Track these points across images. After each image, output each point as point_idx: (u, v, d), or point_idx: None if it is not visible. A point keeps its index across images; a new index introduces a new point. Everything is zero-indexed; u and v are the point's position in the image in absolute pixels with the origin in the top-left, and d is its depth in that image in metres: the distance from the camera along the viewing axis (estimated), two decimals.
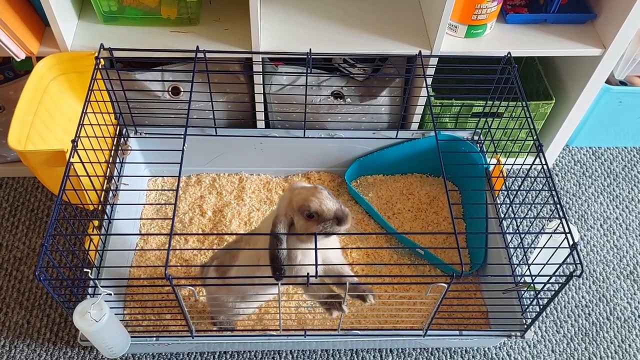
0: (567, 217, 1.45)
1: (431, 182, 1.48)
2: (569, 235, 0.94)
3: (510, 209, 1.24)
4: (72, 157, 0.99)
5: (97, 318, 0.90)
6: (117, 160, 1.28)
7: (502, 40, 1.26)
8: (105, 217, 1.18)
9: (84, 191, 1.05)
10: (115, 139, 1.31)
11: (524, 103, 1.15)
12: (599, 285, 1.35)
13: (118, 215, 1.22)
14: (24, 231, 1.37)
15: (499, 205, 1.27)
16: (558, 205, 0.99)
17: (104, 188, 1.20)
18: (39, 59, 1.15)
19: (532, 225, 1.41)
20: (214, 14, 1.28)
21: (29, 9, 1.16)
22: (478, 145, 1.38)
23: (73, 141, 1.00)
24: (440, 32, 1.20)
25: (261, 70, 1.27)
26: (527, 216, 1.38)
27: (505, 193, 1.36)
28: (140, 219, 1.33)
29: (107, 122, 1.22)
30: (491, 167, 1.32)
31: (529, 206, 1.39)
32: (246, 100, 1.38)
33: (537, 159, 1.08)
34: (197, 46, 1.18)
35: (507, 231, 1.21)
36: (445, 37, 1.22)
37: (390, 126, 1.46)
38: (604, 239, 1.43)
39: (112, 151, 1.27)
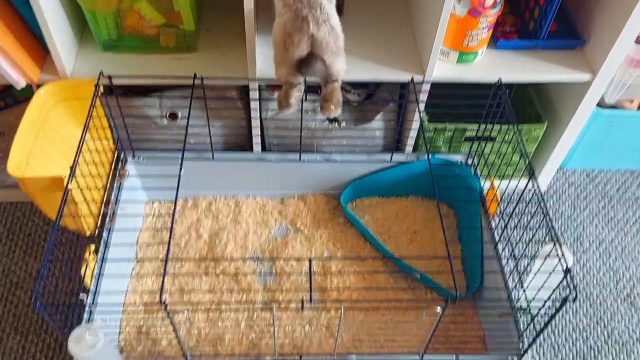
0: (562, 241, 1.46)
1: (427, 205, 1.49)
2: (562, 260, 0.95)
3: (505, 232, 1.25)
4: (70, 183, 1.00)
5: (92, 344, 0.91)
6: (115, 185, 1.29)
7: (493, 65, 1.28)
8: (102, 243, 1.19)
9: (82, 217, 1.06)
10: (113, 163, 1.32)
11: (515, 128, 1.17)
12: (596, 309, 1.35)
13: (114, 240, 1.23)
14: (21, 255, 1.37)
15: (494, 229, 1.28)
16: (551, 229, 1.00)
17: (101, 213, 1.21)
18: (39, 86, 1.17)
19: (526, 249, 1.41)
20: (212, 41, 1.30)
21: (30, 37, 1.18)
22: (472, 168, 1.40)
23: (71, 167, 1.02)
24: (432, 59, 1.22)
25: (258, 97, 1.29)
26: (522, 239, 1.38)
27: (500, 216, 1.37)
28: (137, 243, 1.34)
29: (106, 146, 1.24)
30: (485, 190, 1.33)
31: (524, 229, 1.40)
32: (243, 124, 1.40)
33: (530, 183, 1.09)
34: (195, 73, 1.20)
35: (502, 255, 1.22)
36: (437, 63, 1.25)
37: (385, 149, 1.47)
38: (600, 262, 1.43)
39: (110, 175, 1.28)
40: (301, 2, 0.98)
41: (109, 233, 1.22)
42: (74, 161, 1.03)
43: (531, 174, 1.09)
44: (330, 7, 1.01)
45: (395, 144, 1.44)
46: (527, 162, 1.10)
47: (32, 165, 1.08)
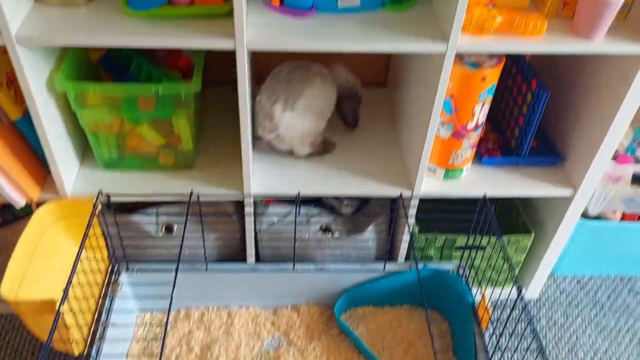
0: (555, 353, 1.45)
1: (420, 315, 1.49)
2: None
3: (498, 345, 1.25)
4: (62, 306, 1.02)
5: None
6: (107, 301, 1.30)
7: (478, 181, 1.34)
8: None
9: (72, 342, 1.06)
10: (107, 275, 1.34)
11: (500, 242, 1.20)
12: None
13: (105, 351, 1.21)
14: None
15: (487, 341, 1.28)
16: (541, 352, 1.00)
17: (92, 329, 1.21)
18: (39, 204, 1.21)
19: None
20: (209, 158, 1.36)
21: (32, 156, 1.23)
22: (463, 278, 1.42)
23: (64, 290, 1.03)
24: (419, 175, 1.28)
25: (252, 211, 1.33)
26: (516, 349, 1.38)
27: (493, 325, 1.38)
28: (126, 356, 1.33)
29: (100, 264, 1.26)
30: (477, 299, 1.35)
31: (517, 349, 1.41)
32: (237, 236, 1.43)
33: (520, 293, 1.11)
34: (192, 190, 1.25)
35: None
36: (425, 179, 1.30)
37: (377, 258, 1.50)
38: None
39: (103, 287, 1.29)
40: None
41: (98, 350, 1.21)
42: (67, 284, 1.04)
43: (519, 294, 1.11)
44: (283, 116, 1.28)
45: (387, 254, 1.46)
46: (514, 278, 1.13)
47: (26, 286, 1.09)
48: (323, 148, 1.39)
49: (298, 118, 1.29)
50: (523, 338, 1.45)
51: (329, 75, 1.34)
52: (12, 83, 1.13)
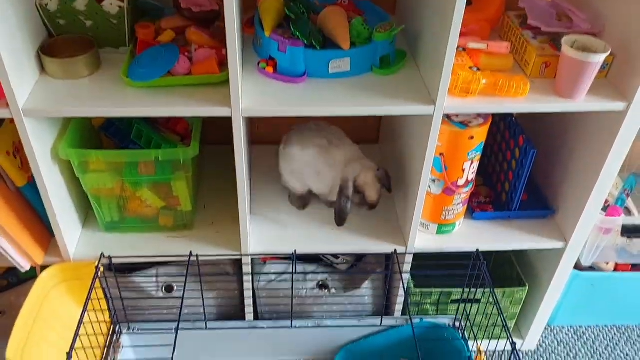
0: None
1: None
2: None
3: None
4: None
5: None
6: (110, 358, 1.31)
7: (471, 236, 1.37)
8: None
9: None
10: (109, 336, 1.35)
11: (494, 298, 1.22)
12: None
13: None
14: None
15: None
16: None
17: None
18: (43, 267, 1.24)
19: None
20: (207, 218, 1.40)
21: (36, 221, 1.27)
22: (459, 331, 1.43)
23: (68, 354, 1.05)
24: (412, 231, 1.31)
25: (250, 270, 1.36)
26: None
27: None
28: None
29: (102, 321, 1.28)
30: (474, 355, 1.35)
31: None
32: (235, 294, 1.45)
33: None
34: (191, 252, 1.28)
35: None
36: (418, 234, 1.33)
37: (374, 313, 1.51)
38: None
39: (106, 348, 1.31)
40: None
41: None
42: (71, 348, 1.06)
43: (513, 349, 1.12)
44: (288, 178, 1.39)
45: (384, 308, 1.48)
46: (508, 336, 1.14)
47: (29, 350, 1.11)
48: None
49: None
50: None
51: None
52: (18, 152, 1.18)
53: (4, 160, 1.13)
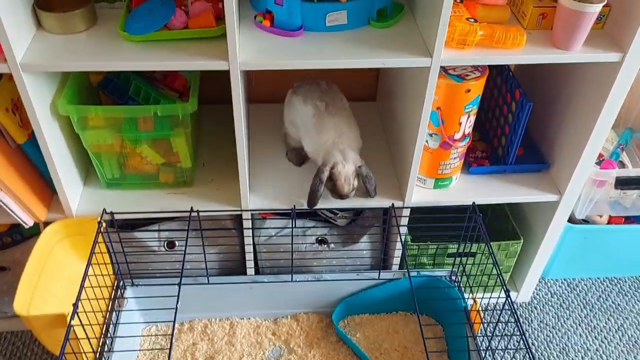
0: (547, 354, 1.49)
1: (415, 320, 1.54)
2: None
3: (490, 350, 1.29)
4: (73, 320, 1.06)
5: None
6: (114, 316, 1.34)
7: (467, 190, 1.39)
8: None
9: (83, 353, 1.10)
10: (113, 291, 1.38)
11: (489, 250, 1.25)
12: None
13: None
14: None
15: (479, 349, 1.32)
16: (528, 350, 1.05)
17: (101, 342, 1.25)
18: (46, 223, 1.26)
19: None
20: (207, 175, 1.41)
21: (38, 178, 1.28)
22: (455, 283, 1.46)
23: (74, 304, 1.08)
24: (410, 186, 1.33)
25: (250, 225, 1.38)
26: (505, 350, 1.42)
27: (485, 328, 1.42)
28: None
29: (106, 277, 1.31)
30: (470, 304, 1.39)
31: (506, 348, 1.44)
32: (237, 250, 1.48)
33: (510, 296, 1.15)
34: (192, 207, 1.30)
35: None
36: (415, 189, 1.35)
37: (372, 267, 1.54)
38: None
39: (110, 303, 1.34)
40: None
41: None
42: (77, 300, 1.09)
43: (507, 296, 1.15)
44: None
45: (382, 262, 1.51)
46: (503, 285, 1.17)
47: (36, 302, 1.14)
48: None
49: None
50: (512, 338, 1.49)
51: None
52: (17, 109, 1.19)
53: (3, 116, 1.14)
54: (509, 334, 1.16)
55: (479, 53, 1.12)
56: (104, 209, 1.27)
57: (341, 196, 1.31)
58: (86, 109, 1.18)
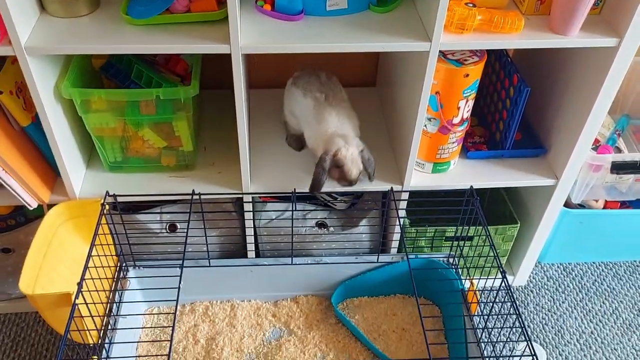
0: (544, 334, 1.52)
1: (413, 303, 1.56)
2: (534, 358, 1.02)
3: (486, 331, 1.32)
4: (77, 299, 1.08)
5: None
6: (117, 296, 1.37)
7: (465, 174, 1.40)
8: (104, 355, 1.24)
9: (87, 331, 1.13)
10: (116, 273, 1.40)
11: (486, 232, 1.27)
12: None
13: (116, 347, 1.28)
14: None
15: (476, 328, 1.34)
16: (524, 329, 1.07)
17: (104, 322, 1.28)
18: (50, 206, 1.28)
19: (505, 346, 1.47)
20: (208, 159, 1.43)
21: (42, 161, 1.30)
22: (453, 267, 1.48)
23: (78, 283, 1.10)
24: (409, 170, 1.35)
25: (251, 208, 1.40)
26: (500, 340, 1.44)
27: (481, 309, 1.44)
28: (138, 356, 1.39)
29: (109, 258, 1.33)
30: (467, 286, 1.41)
31: (502, 327, 1.47)
32: (238, 232, 1.50)
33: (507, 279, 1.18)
34: (193, 190, 1.32)
35: (477, 355, 1.27)
36: (414, 173, 1.37)
37: (371, 250, 1.57)
38: (581, 354, 1.49)
39: (113, 285, 1.36)
40: None
41: (110, 343, 1.28)
42: (81, 279, 1.11)
43: (503, 277, 1.17)
44: None
45: (380, 246, 1.53)
46: (499, 266, 1.19)
47: (41, 282, 1.16)
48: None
49: None
50: (508, 318, 1.51)
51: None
52: (20, 92, 1.20)
53: (7, 99, 1.16)
54: (505, 313, 1.18)
55: (478, 38, 1.14)
56: (107, 192, 1.29)
57: (350, 182, 1.30)
58: (89, 92, 1.20)
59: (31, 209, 1.27)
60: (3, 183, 1.20)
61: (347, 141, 1.29)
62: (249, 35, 1.11)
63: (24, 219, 1.41)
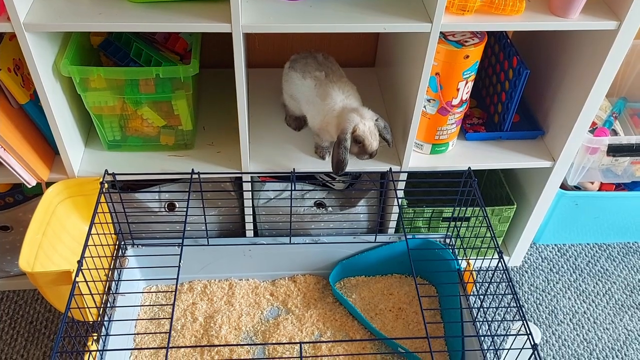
0: (538, 314, 1.55)
1: (410, 282, 1.58)
2: (530, 337, 1.04)
3: (482, 310, 1.34)
4: (78, 277, 1.09)
5: None
6: (116, 274, 1.38)
7: (463, 155, 1.41)
8: (104, 333, 1.25)
9: (87, 309, 1.13)
10: (115, 252, 1.41)
11: (484, 213, 1.28)
12: None
13: (115, 325, 1.29)
14: (23, 343, 1.43)
15: (472, 307, 1.37)
16: (519, 309, 1.09)
17: (104, 300, 1.29)
18: (48, 184, 1.27)
19: (500, 325, 1.49)
20: (207, 139, 1.43)
21: (40, 139, 1.30)
22: (450, 247, 1.50)
23: (79, 262, 1.11)
24: (407, 151, 1.35)
25: (250, 188, 1.40)
26: (495, 319, 1.47)
27: (477, 288, 1.46)
28: (137, 334, 1.41)
29: (108, 236, 1.33)
30: (463, 267, 1.43)
31: (498, 307, 1.49)
32: (236, 212, 1.50)
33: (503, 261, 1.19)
34: (192, 169, 1.32)
35: (473, 334, 1.29)
36: (412, 154, 1.38)
37: (369, 230, 1.58)
38: (574, 333, 1.52)
39: (112, 263, 1.37)
40: None
41: (109, 321, 1.29)
42: (81, 257, 1.11)
43: (500, 257, 1.19)
44: None
45: (378, 226, 1.55)
46: (495, 247, 1.21)
47: (40, 260, 1.16)
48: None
49: None
50: (504, 297, 1.54)
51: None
52: (18, 69, 1.19)
53: (5, 76, 1.15)
54: (500, 293, 1.20)
55: (479, 19, 1.14)
56: (106, 170, 1.29)
57: (371, 155, 1.29)
58: (89, 70, 1.19)
59: (29, 187, 1.27)
60: (1, 161, 1.19)
61: (361, 114, 1.27)
62: (250, 14, 1.10)
63: (22, 197, 1.41)
